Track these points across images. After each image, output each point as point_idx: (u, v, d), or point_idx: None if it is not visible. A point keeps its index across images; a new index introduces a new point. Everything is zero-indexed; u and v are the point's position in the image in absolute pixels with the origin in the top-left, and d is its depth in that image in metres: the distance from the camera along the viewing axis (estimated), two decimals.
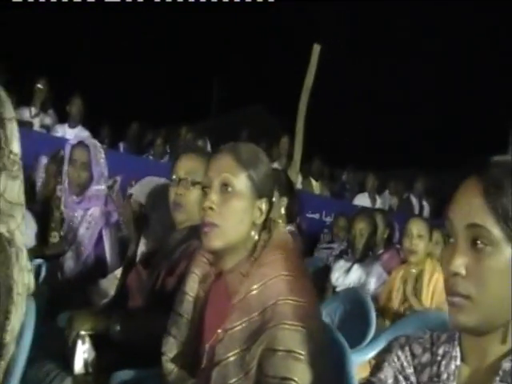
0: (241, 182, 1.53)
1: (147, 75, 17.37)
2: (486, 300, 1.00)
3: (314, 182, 8.13)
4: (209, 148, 8.86)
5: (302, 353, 1.35)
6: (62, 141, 5.11)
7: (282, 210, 3.11)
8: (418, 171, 9.32)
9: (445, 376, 1.08)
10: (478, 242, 1.00)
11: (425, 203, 8.53)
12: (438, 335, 1.16)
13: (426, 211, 8.44)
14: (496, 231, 0.99)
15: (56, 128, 6.85)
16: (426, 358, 1.13)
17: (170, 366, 1.60)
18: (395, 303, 3.43)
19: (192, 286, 1.65)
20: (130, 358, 1.98)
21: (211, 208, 1.51)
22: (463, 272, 1.01)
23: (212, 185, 1.54)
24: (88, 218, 3.45)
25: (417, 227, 3.38)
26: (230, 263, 1.55)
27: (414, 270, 3.45)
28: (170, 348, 1.63)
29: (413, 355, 1.14)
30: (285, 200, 3.11)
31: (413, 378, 1.13)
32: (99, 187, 3.44)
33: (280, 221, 1.62)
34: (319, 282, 4.10)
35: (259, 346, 1.38)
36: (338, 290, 3.89)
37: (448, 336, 1.14)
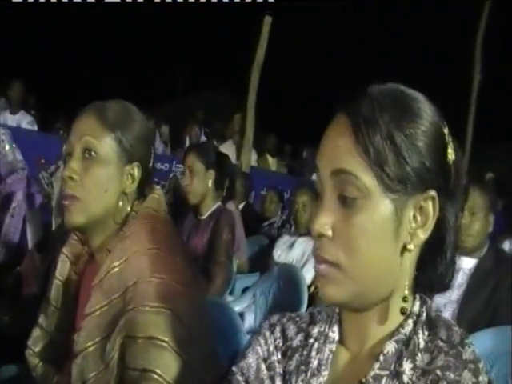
0: (106, 145, 1.31)
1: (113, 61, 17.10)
2: (358, 268, 0.79)
3: (270, 159, 7.91)
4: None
5: (166, 339, 1.13)
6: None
7: (210, 184, 2.93)
8: None
9: (315, 363, 0.87)
10: (346, 193, 0.78)
11: None
12: (319, 311, 0.94)
13: None
14: (367, 178, 0.77)
15: None
16: (298, 340, 0.91)
17: (34, 361, 1.40)
18: None
19: (62, 269, 1.43)
20: (18, 351, 1.79)
21: (71, 178, 1.30)
22: (329, 233, 0.80)
23: (73, 151, 1.32)
24: (12, 204, 3.31)
25: None
26: (98, 240, 1.34)
27: None
28: (36, 340, 1.42)
29: (284, 337, 0.92)
30: (212, 173, 2.93)
31: (278, 368, 0.90)
32: (18, 172, 3.28)
33: (158, 187, 1.40)
34: (264, 259, 3.93)
35: (119, 333, 1.17)
36: None
37: (327, 313, 0.92)
